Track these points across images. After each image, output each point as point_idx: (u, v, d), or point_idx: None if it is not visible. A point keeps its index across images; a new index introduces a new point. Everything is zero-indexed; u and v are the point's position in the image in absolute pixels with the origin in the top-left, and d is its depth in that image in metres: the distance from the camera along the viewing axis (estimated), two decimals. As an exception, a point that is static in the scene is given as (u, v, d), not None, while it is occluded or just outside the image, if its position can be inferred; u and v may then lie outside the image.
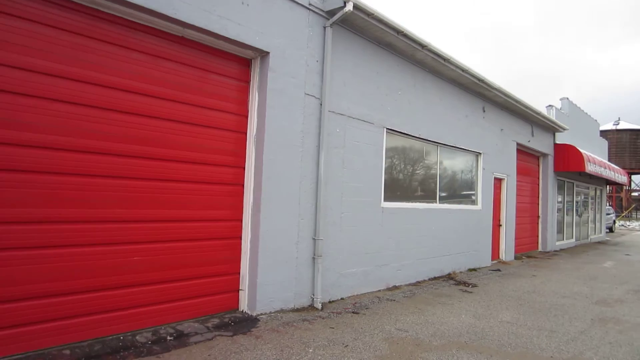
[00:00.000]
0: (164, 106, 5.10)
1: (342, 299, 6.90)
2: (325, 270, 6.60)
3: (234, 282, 5.87)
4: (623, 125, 43.87)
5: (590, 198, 20.92)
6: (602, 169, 17.48)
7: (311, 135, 6.43)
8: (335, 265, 6.81)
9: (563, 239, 17.08)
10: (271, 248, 5.87)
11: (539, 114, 13.08)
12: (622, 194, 45.54)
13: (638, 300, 7.88)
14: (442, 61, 8.60)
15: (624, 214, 42.34)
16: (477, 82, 9.85)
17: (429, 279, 8.91)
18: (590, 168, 15.64)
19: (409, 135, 8.46)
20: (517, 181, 13.23)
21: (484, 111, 10.99)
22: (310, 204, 6.39)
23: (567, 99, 17.34)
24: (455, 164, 10.23)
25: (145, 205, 4.91)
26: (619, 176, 20.20)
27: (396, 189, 8.40)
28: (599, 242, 20.61)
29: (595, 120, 21.23)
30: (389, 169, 8.15)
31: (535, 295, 7.99)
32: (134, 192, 4.81)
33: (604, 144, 22.93)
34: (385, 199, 7.90)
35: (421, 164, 9.06)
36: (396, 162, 8.43)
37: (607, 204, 42.11)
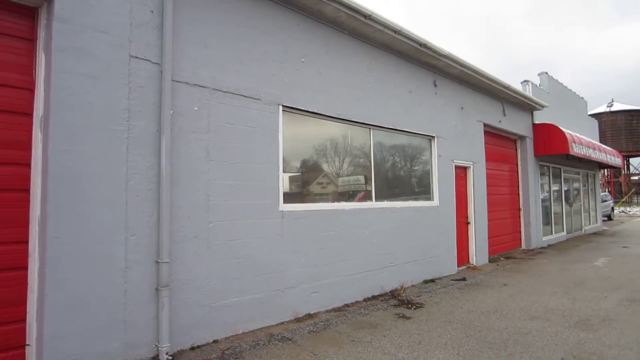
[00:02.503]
0: None
1: (214, 341, 4.94)
2: (181, 305, 4.66)
3: (18, 335, 3.92)
4: (617, 106, 42.00)
5: (582, 184, 18.94)
6: (592, 150, 15.51)
7: (146, 115, 4.49)
8: (201, 295, 4.85)
9: (552, 233, 15.09)
10: (71, 280, 3.92)
11: (507, 88, 11.11)
12: (621, 179, 43.51)
13: (633, 316, 5.92)
14: (363, 19, 6.67)
15: (623, 199, 40.31)
16: (419, 47, 7.91)
17: (364, 300, 6.94)
18: (576, 150, 13.67)
19: (322, 115, 6.51)
20: (489, 169, 11.27)
21: (436, 86, 9.04)
22: (147, 212, 4.44)
23: (546, 73, 15.39)
24: (398, 151, 8.27)
25: None
26: (612, 158, 18.21)
27: (306, 187, 6.46)
28: (595, 233, 18.61)
29: (582, 98, 19.27)
30: (292, 161, 6.21)
31: (494, 317, 6.02)
32: None
33: (594, 124, 20.95)
34: (288, 200, 5.94)
35: (345, 152, 7.10)
36: (305, 151, 6.48)
37: (606, 190, 40.13)
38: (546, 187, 15.25)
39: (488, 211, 11.01)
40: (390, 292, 7.37)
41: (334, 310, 6.35)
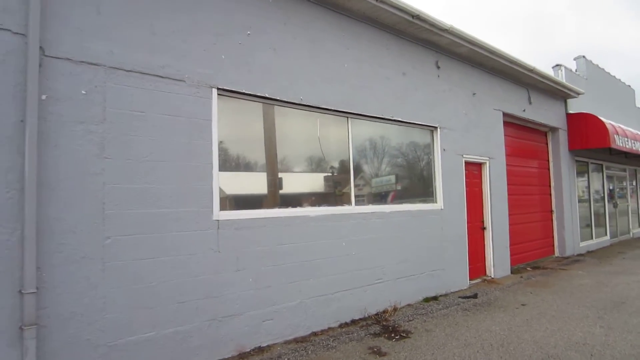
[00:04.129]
0: None
1: (114, 392, 3.81)
2: (64, 346, 3.59)
3: None
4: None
5: (629, 182, 16.80)
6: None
7: (3, 102, 3.43)
8: (93, 332, 3.75)
9: (592, 238, 13.23)
10: None
11: (532, 71, 9.53)
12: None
13: (686, 358, 4.38)
14: (330, -18, 5.42)
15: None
16: (411, 19, 6.58)
17: (339, 326, 5.67)
18: (619, 143, 11.80)
19: (278, 100, 5.31)
20: (511, 165, 9.72)
21: (438, 67, 7.65)
22: (6, 229, 3.39)
23: (584, 57, 13.56)
24: (388, 145, 6.94)
25: None
26: (665, 152, 15.98)
27: (259, 189, 5.27)
28: (645, 237, 16.46)
29: (629, 87, 17.11)
30: (238, 157, 5.04)
31: (496, 356, 4.63)
32: None
33: (644, 114, 18.62)
34: (226, 206, 4.78)
35: (314, 147, 5.85)
36: (257, 145, 5.29)
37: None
38: (585, 186, 13.41)
39: (510, 214, 9.46)
40: (375, 315, 6.06)
41: (296, 341, 5.12)
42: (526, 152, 10.75)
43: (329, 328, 5.55)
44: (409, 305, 6.66)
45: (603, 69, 14.82)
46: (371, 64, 6.45)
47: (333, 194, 6.01)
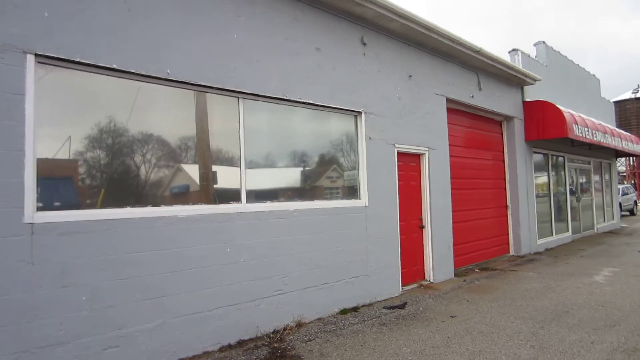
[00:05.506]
0: None
1: None
2: None
3: None
4: (644, 92, 38.16)
5: (593, 175, 16.19)
6: (602, 134, 12.83)
7: None
8: None
9: (552, 234, 12.52)
10: None
11: (479, 52, 8.64)
12: (648, 169, 39.78)
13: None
14: None
15: (650, 192, 36.64)
16: (322, -15, 5.59)
17: (220, 349, 4.69)
18: (578, 133, 11.07)
19: (133, 73, 4.27)
20: (458, 157, 8.88)
21: (365, 44, 6.69)
22: None
23: (544, 43, 12.79)
24: (296, 130, 5.97)
25: None
26: (631, 145, 15.40)
27: (109, 185, 4.23)
28: (610, 232, 15.88)
29: (594, 76, 16.46)
30: (72, 143, 4.00)
31: (388, 390, 3.70)
32: None
33: (609, 106, 18.05)
34: (48, 206, 3.74)
35: (191, 132, 4.84)
36: (107, 128, 4.24)
37: (631, 182, 36.59)
38: (545, 179, 12.68)
39: (456, 210, 8.61)
40: (270, 333, 5.10)
41: (152, 372, 4.13)
42: (477, 143, 9.90)
43: (205, 353, 4.57)
44: (319, 319, 5.73)
45: (565, 57, 14.09)
46: (273, 35, 5.45)
47: (218, 191, 5.00)
